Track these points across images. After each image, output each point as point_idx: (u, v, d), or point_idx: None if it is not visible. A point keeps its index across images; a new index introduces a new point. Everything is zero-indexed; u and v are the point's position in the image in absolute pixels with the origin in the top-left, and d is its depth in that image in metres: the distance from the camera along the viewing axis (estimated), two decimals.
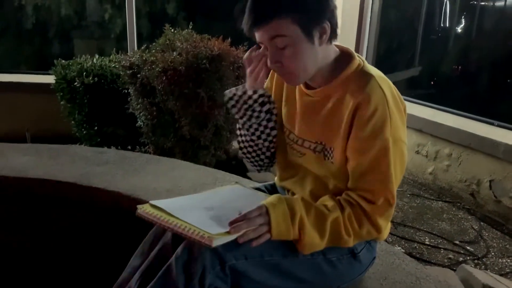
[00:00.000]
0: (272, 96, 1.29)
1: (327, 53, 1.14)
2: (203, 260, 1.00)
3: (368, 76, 1.10)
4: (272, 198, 1.09)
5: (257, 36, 1.09)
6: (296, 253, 1.10)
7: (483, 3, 4.07)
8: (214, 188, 1.06)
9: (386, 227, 1.17)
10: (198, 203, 1.17)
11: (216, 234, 0.99)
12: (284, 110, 1.31)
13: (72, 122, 3.61)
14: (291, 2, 1.04)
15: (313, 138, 1.19)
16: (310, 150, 1.20)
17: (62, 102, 3.56)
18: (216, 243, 0.97)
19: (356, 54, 1.17)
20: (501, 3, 3.93)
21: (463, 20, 4.32)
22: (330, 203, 1.10)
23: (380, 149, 1.07)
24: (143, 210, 1.10)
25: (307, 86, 1.21)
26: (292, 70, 1.11)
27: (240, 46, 3.21)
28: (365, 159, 1.08)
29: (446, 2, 4.30)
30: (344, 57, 1.17)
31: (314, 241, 1.07)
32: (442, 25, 4.39)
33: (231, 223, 1.02)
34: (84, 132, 3.57)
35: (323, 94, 1.17)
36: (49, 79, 3.68)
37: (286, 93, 1.30)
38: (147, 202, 1.14)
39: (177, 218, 1.05)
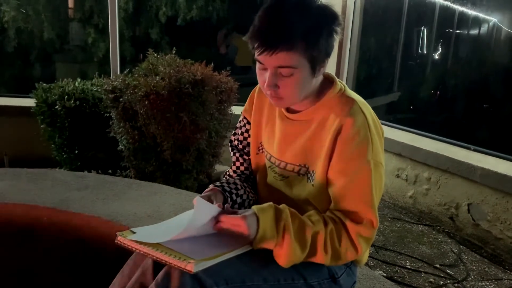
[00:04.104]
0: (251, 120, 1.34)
1: (317, 81, 1.17)
2: (183, 287, 0.99)
3: (351, 100, 1.14)
4: (263, 204, 1.10)
5: (263, 58, 1.07)
6: (277, 277, 1.10)
7: (458, 32, 4.22)
8: (190, 210, 1.05)
9: (365, 251, 1.17)
10: (176, 228, 1.16)
11: (197, 259, 0.99)
12: (264, 134, 1.32)
13: (52, 145, 3.57)
14: (310, 40, 1.05)
15: (296, 161, 1.21)
16: (293, 173, 1.22)
17: (42, 126, 3.52)
18: (197, 268, 0.96)
19: (337, 79, 1.21)
20: (475, 32, 4.08)
21: (439, 47, 4.47)
22: (315, 217, 1.11)
23: (362, 171, 1.09)
24: (123, 236, 1.09)
25: (288, 109, 1.23)
26: (286, 95, 1.12)
27: (223, 71, 3.25)
28: (347, 180, 1.10)
29: (423, 30, 4.45)
30: (326, 81, 1.20)
31: (295, 251, 1.06)
32: (419, 52, 4.53)
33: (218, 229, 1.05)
34: (64, 156, 3.53)
35: (306, 117, 1.19)
36: (30, 102, 3.64)
37: (266, 117, 1.31)
38: (127, 228, 1.13)
39: (157, 244, 1.04)
